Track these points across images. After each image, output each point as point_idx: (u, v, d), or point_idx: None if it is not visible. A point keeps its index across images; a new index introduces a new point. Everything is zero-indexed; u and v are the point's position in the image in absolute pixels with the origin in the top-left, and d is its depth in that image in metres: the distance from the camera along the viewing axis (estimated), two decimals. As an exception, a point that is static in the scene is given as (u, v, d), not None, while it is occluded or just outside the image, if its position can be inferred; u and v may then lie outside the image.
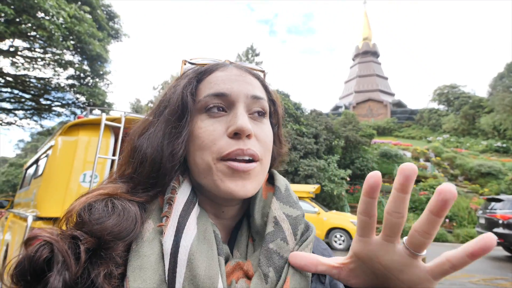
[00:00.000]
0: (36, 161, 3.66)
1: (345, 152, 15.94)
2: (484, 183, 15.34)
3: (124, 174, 0.45)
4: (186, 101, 0.43)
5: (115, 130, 2.88)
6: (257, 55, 20.01)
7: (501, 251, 8.09)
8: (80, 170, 2.72)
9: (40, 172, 3.05)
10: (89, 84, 10.84)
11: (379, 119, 34.35)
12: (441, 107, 34.01)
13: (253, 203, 0.47)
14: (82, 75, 10.49)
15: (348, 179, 13.22)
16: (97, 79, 11.10)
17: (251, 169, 0.41)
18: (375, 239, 0.35)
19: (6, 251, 3.34)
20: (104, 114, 2.73)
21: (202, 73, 0.46)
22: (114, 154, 2.85)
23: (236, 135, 0.41)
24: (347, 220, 7.83)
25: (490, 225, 7.33)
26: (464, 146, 24.98)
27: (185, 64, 0.50)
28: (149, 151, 0.42)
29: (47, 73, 10.61)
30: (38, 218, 2.49)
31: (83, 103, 11.39)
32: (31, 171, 3.98)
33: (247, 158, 0.41)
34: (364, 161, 15.75)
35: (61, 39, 8.11)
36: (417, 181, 15.49)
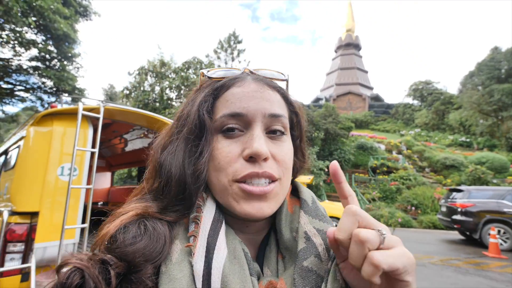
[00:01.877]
0: (5, 152, 3.44)
1: (324, 144, 16.41)
2: (448, 174, 16.55)
3: (153, 188, 0.45)
4: (203, 120, 0.42)
5: (93, 121, 2.76)
6: (239, 42, 19.64)
7: (457, 235, 8.92)
8: (57, 163, 2.61)
9: (11, 164, 2.88)
10: (56, 67, 10.03)
11: (358, 112, 35.42)
12: (415, 102, 35.69)
13: (279, 218, 0.46)
14: (47, 56, 9.66)
15: (326, 170, 13.67)
16: (65, 62, 10.28)
17: (267, 191, 0.40)
18: None
19: None
20: (81, 104, 2.59)
21: (218, 88, 0.44)
22: (93, 146, 2.74)
23: (252, 158, 0.40)
24: (340, 210, 8.08)
25: (450, 212, 7.96)
26: (433, 140, 26.60)
27: (203, 76, 0.48)
28: (173, 170, 0.42)
29: (5, 53, 9.62)
30: (13, 213, 2.37)
31: (50, 88, 10.61)
32: None
33: (264, 181, 0.40)
34: (342, 152, 16.34)
35: (20, 14, 7.38)
36: (389, 172, 16.39)
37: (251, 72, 0.47)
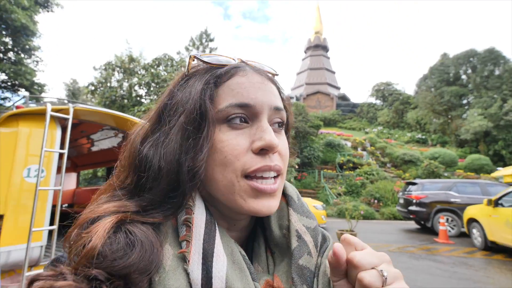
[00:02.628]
0: None
1: (294, 142, 16.92)
2: (406, 169, 18.01)
3: (126, 184, 0.41)
4: (205, 109, 0.38)
5: (61, 121, 2.73)
6: (211, 40, 19.45)
7: (413, 225, 9.80)
8: (22, 164, 2.56)
9: None
10: (12, 60, 9.20)
11: (326, 111, 36.84)
12: (378, 102, 38.18)
13: (267, 215, 0.43)
14: (1, 48, 8.83)
15: (296, 166, 14.19)
16: (23, 55, 9.48)
17: (276, 189, 0.40)
18: None
19: None
20: (49, 104, 2.58)
21: (220, 75, 0.41)
22: (62, 147, 2.71)
23: (262, 150, 0.39)
24: (309, 204, 8.41)
25: (407, 204, 8.74)
26: (393, 137, 28.71)
27: (193, 60, 0.44)
28: (164, 165, 0.37)
29: None
30: None
31: (4, 82, 9.69)
32: None
33: (273, 174, 0.40)
34: (312, 150, 17.02)
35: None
36: (354, 168, 17.43)
37: (243, 61, 0.45)
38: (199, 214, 0.38)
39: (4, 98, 9.89)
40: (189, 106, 0.39)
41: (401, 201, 9.29)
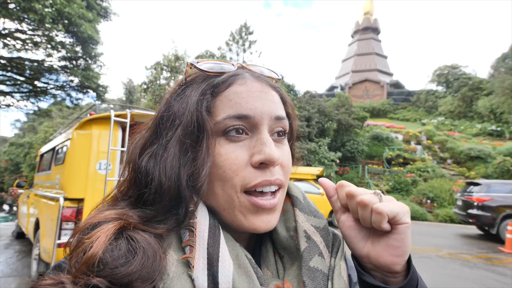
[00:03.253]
0: (54, 150, 4.16)
1: (336, 135, 16.29)
2: (473, 166, 15.74)
3: (128, 196, 0.41)
4: (203, 122, 0.37)
5: (121, 124, 3.33)
6: (250, 33, 19.58)
7: (474, 230, 8.70)
8: (95, 159, 3.21)
9: (61, 160, 3.55)
10: (82, 66, 10.84)
11: (375, 100, 34.05)
12: (440, 88, 33.76)
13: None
14: (73, 56, 10.46)
15: (337, 161, 13.70)
16: (90, 61, 11.07)
17: (277, 204, 0.39)
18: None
19: (37, 223, 4.00)
20: (112, 111, 3.20)
21: (217, 85, 0.40)
22: (122, 146, 3.31)
23: (262, 164, 0.37)
24: None
25: (466, 206, 7.80)
26: (458, 129, 25.26)
27: (190, 67, 0.42)
28: (164, 181, 0.36)
29: (39, 55, 10.66)
30: (65, 199, 3.07)
31: (77, 85, 11.46)
32: (48, 157, 4.57)
33: (274, 188, 0.39)
34: (355, 143, 16.15)
35: (51, 21, 8.09)
36: (405, 163, 16.01)
37: (243, 67, 0.44)
38: (202, 218, 0.37)
39: (78, 99, 11.76)
40: (185, 119, 0.38)
41: (459, 203, 8.34)
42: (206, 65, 0.41)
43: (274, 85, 0.44)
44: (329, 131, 15.22)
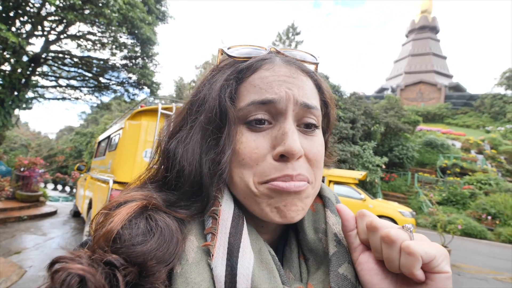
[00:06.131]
0: (108, 137, 4.72)
1: (384, 139, 15.31)
2: (547, 182, 13.62)
3: (156, 179, 0.42)
4: (225, 108, 0.36)
5: (167, 116, 3.64)
6: (297, 34, 19.43)
7: (548, 256, 7.52)
8: (142, 148, 3.57)
9: (114, 147, 4.02)
10: (139, 65, 12.04)
11: (430, 104, 31.28)
12: (509, 92, 29.52)
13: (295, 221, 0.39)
14: (133, 55, 11.69)
15: (383, 166, 12.86)
16: (147, 60, 12.23)
17: (302, 189, 0.35)
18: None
19: (90, 203, 4.50)
20: (160, 104, 3.54)
21: (243, 71, 0.38)
22: None
23: (283, 157, 0.35)
24: (395, 209, 7.50)
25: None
26: (530, 139, 21.83)
27: (222, 54, 0.41)
28: (186, 166, 0.36)
29: (105, 54, 12.19)
30: (114, 182, 3.44)
31: (134, 82, 12.74)
32: (104, 144, 5.18)
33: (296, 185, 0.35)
34: (404, 149, 14.99)
35: (117, 24, 9.15)
36: (463, 174, 14.37)
37: (277, 52, 0.41)
38: (226, 207, 0.36)
39: (134, 95, 13.05)
40: (208, 105, 0.37)
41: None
42: (236, 50, 0.40)
43: (307, 69, 0.41)
44: (375, 135, 14.35)
